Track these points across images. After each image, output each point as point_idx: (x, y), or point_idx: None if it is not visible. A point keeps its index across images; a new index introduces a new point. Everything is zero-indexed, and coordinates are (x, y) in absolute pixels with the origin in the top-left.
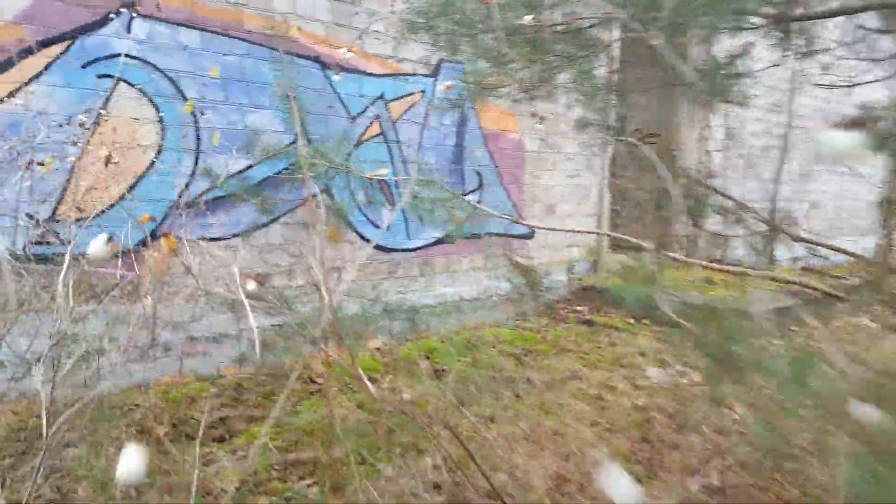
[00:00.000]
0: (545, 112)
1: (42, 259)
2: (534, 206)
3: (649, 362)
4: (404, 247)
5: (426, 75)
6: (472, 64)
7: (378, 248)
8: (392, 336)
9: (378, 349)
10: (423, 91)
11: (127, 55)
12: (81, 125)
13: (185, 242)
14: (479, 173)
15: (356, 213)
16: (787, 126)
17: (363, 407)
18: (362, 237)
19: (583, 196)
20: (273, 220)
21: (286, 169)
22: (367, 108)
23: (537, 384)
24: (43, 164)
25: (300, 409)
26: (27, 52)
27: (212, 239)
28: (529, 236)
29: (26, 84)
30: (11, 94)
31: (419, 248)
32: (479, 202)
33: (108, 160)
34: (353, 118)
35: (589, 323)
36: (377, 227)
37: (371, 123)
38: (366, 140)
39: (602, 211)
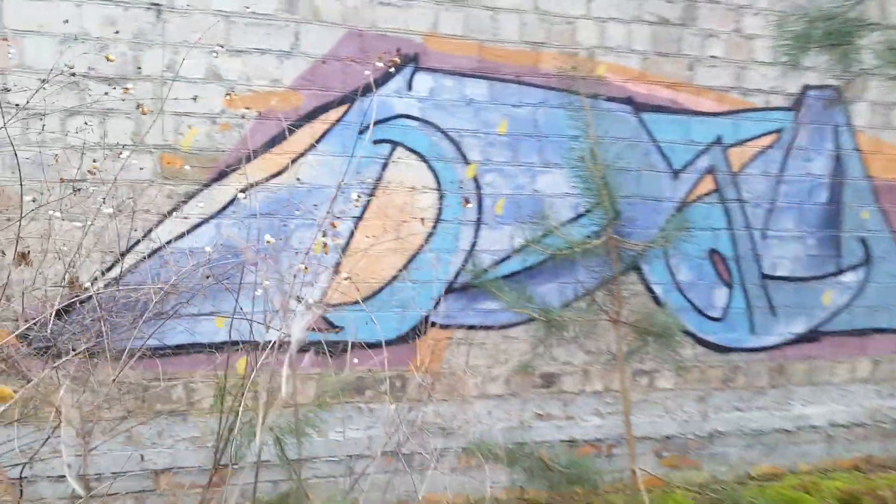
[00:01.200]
0: None
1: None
2: None
3: None
4: (746, 346)
5: (783, 108)
6: None
7: (707, 345)
8: (726, 466)
9: (700, 486)
10: (778, 130)
11: (407, 115)
12: (357, 200)
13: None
14: (864, 241)
15: (676, 296)
16: None
17: None
18: (684, 330)
19: None
20: (565, 306)
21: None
22: (696, 158)
23: None
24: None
25: None
26: (306, 118)
27: (487, 327)
28: None
29: (301, 155)
30: (286, 168)
31: (769, 349)
32: (864, 282)
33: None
34: (677, 172)
35: None
36: (707, 316)
37: (702, 178)
38: (693, 200)
39: None
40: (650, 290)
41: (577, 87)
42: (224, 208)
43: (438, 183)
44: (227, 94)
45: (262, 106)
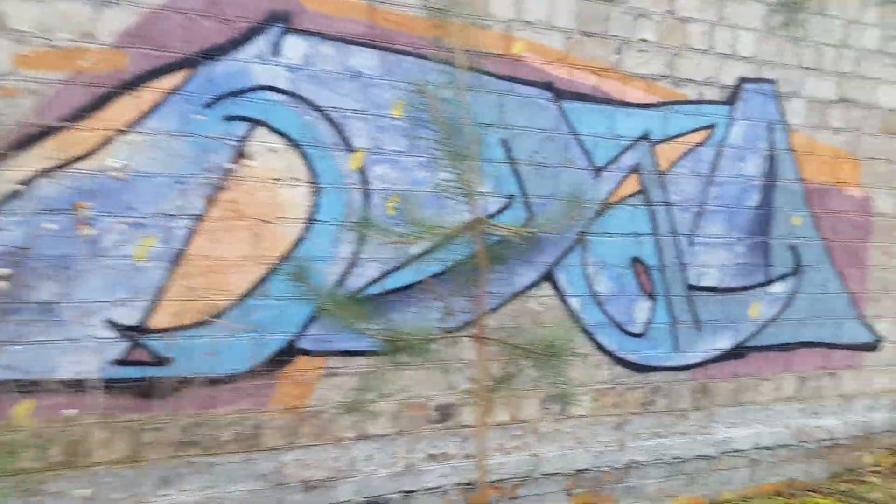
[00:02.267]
0: None
1: (127, 385)
2: (882, 299)
3: None
4: (669, 364)
5: (717, 102)
6: None
7: (626, 364)
8: (644, 501)
9: None
10: (711, 126)
11: (271, 87)
12: (200, 193)
13: (333, 358)
14: (794, 249)
15: (593, 310)
16: None
17: None
18: (601, 348)
19: None
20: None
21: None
22: (620, 154)
23: None
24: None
25: None
26: (130, 86)
27: (369, 353)
28: (871, 347)
29: (122, 133)
30: (101, 147)
31: (693, 367)
32: (793, 293)
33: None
34: (599, 169)
35: None
36: (627, 332)
37: (626, 177)
38: (616, 202)
39: None
40: (565, 303)
41: (489, 68)
42: (2, 203)
43: (313, 174)
44: (19, 51)
45: (67, 67)
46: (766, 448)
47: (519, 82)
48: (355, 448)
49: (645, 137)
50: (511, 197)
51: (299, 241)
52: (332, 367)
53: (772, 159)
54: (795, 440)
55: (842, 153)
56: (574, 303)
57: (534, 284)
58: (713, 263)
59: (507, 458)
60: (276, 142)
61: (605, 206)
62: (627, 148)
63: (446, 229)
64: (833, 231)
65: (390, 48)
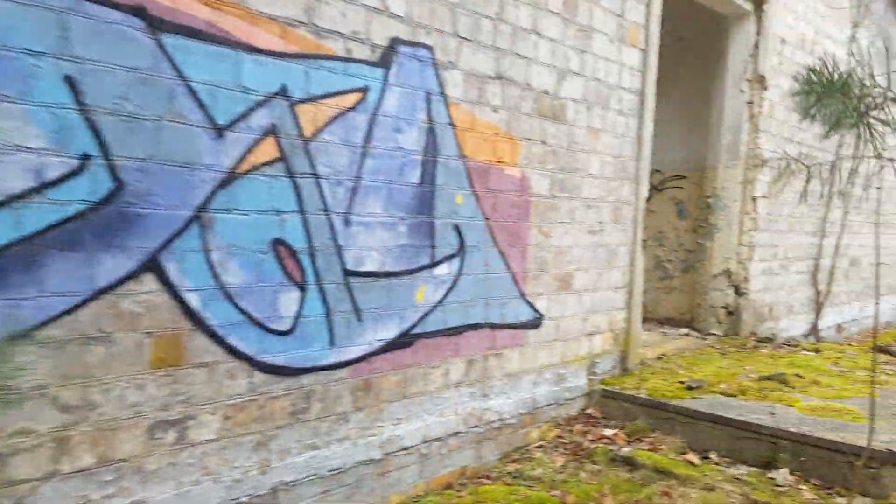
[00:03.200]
0: (558, 135)
1: None
2: (541, 277)
3: None
4: (324, 363)
5: (370, 63)
6: None
7: (270, 369)
8: None
9: None
10: (363, 90)
11: None
12: None
13: None
14: (458, 229)
15: (221, 307)
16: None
17: None
18: (234, 352)
19: (607, 261)
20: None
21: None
22: (250, 111)
23: None
24: None
25: None
26: None
27: None
28: (534, 325)
29: None
30: None
31: (353, 363)
32: (458, 275)
33: None
34: (221, 128)
35: (629, 463)
36: (271, 330)
37: (260, 140)
38: (248, 171)
39: (633, 281)
40: (179, 300)
41: None
42: None
43: None
44: None
45: None
46: (437, 440)
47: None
48: None
49: (283, 94)
50: (86, 158)
51: None
52: None
53: (432, 133)
54: (466, 426)
55: (501, 132)
56: (192, 299)
57: (130, 277)
58: (373, 245)
59: None
60: None
61: (233, 176)
62: (260, 104)
63: None
64: (495, 211)
65: None
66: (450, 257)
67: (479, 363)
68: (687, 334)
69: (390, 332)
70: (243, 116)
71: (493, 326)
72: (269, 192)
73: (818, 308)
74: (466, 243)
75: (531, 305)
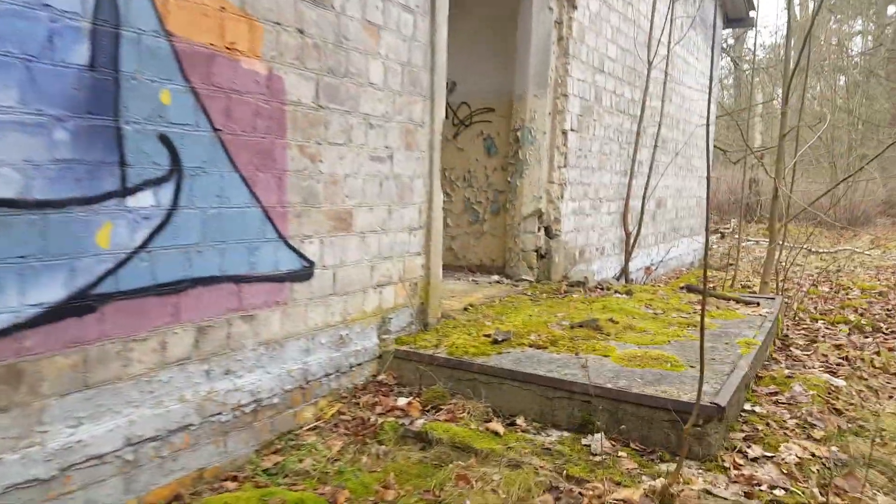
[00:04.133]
0: (321, 24)
1: None
2: (309, 214)
3: None
4: None
5: None
6: None
7: None
8: None
9: None
10: None
11: None
12: None
13: None
14: (168, 142)
15: None
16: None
17: None
18: None
19: (398, 196)
20: None
21: None
22: None
23: None
24: None
25: None
26: None
27: None
28: (304, 276)
29: None
30: None
31: None
32: (173, 207)
33: None
34: None
35: (422, 439)
36: None
37: None
38: None
39: (432, 221)
40: None
41: None
42: None
43: None
44: None
45: None
46: (152, 439)
47: None
48: None
49: None
50: None
51: None
52: None
53: None
54: (201, 416)
55: (231, 5)
56: None
57: None
58: (5, 158)
59: None
60: None
61: None
62: None
63: None
64: (230, 119)
65: None
66: (156, 182)
67: (219, 330)
68: (498, 282)
69: (53, 292)
70: None
71: (239, 280)
72: None
73: (629, 250)
74: (184, 163)
75: (296, 251)
